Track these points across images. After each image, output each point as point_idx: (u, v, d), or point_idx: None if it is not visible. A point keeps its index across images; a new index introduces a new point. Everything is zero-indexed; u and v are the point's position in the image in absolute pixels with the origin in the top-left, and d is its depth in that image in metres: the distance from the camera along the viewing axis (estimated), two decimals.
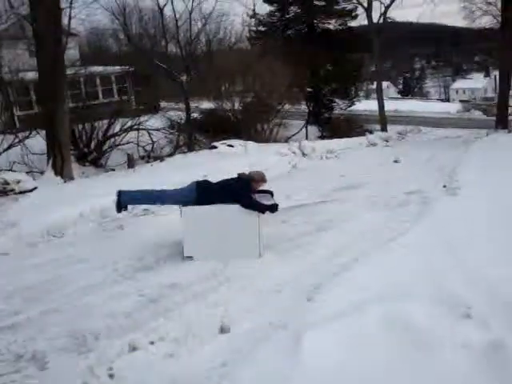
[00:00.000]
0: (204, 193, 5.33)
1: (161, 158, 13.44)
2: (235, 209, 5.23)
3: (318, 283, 4.41)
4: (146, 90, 22.69)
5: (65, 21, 13.21)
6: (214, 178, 8.82)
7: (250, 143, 13.89)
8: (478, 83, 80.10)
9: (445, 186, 8.71)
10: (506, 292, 3.88)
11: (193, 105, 21.02)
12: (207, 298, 4.29)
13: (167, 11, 19.67)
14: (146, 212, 7.61)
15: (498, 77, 66.77)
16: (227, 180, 5.64)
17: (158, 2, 18.69)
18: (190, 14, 18.74)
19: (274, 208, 5.37)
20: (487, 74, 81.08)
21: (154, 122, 17.93)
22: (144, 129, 16.00)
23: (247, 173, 5.78)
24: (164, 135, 17.75)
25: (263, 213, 5.32)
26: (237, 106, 18.52)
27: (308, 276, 4.66)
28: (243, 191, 5.33)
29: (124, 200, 5.46)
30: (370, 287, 4.12)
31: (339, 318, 3.59)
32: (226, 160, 11.23)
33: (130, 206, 6.12)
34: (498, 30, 29.71)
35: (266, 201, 5.49)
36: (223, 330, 3.73)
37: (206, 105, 20.81)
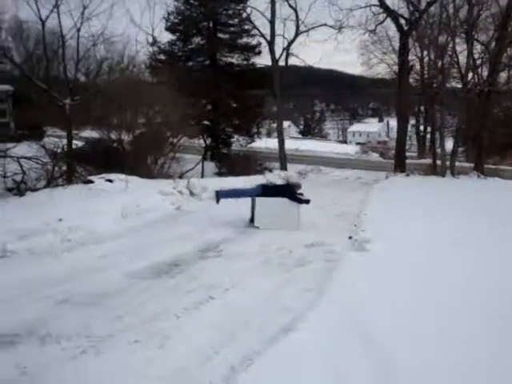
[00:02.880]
0: (265, 190, 8.74)
1: (20, 193, 11.22)
2: (285, 200, 8.45)
3: None
4: (27, 113, 20.09)
5: None
6: (71, 223, 7.08)
7: (133, 178, 12.08)
8: (373, 127, 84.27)
9: (350, 238, 7.61)
10: None
11: (79, 133, 18.82)
12: None
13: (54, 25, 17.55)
14: None
15: (389, 122, 70.86)
16: (280, 185, 10.34)
17: (40, 13, 16.22)
18: (78, 31, 16.61)
19: (307, 201, 8.65)
20: (381, 119, 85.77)
21: (28, 149, 15.53)
22: (8, 156, 13.58)
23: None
24: (40, 165, 15.40)
25: (301, 203, 8.55)
26: (126, 136, 16.66)
27: None
28: (290, 190, 8.76)
29: (220, 196, 8.88)
30: None
31: None
32: (96, 198, 9.30)
33: None
34: (392, 79, 30.99)
35: (303, 197, 8.72)
36: None
37: (92, 133, 18.68)
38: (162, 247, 6.73)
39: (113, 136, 16.94)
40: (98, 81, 21.14)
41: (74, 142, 17.55)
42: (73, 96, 17.54)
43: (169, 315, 4.31)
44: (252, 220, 8.73)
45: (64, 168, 15.97)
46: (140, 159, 16.38)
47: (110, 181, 11.93)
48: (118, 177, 12.05)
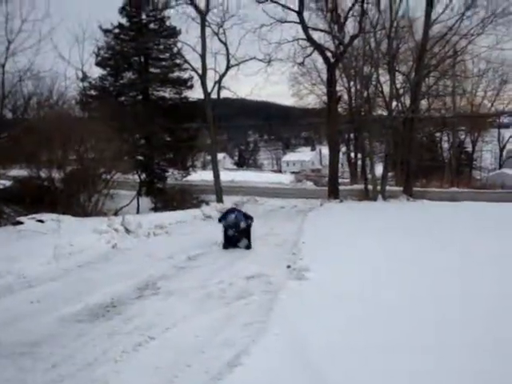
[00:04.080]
0: (243, 216, 10.15)
1: None
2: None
3: None
4: None
5: None
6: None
7: (66, 218, 11.71)
8: (306, 156, 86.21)
9: (289, 267, 7.69)
10: None
11: (6, 172, 18.03)
12: None
13: None
14: None
15: (321, 150, 72.76)
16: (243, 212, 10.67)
17: None
18: (3, 66, 16.13)
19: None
20: (313, 148, 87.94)
21: None
22: None
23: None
24: None
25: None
26: (57, 174, 16.15)
27: None
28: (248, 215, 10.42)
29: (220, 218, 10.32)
30: None
31: None
32: (26, 240, 8.95)
33: None
34: (322, 108, 32.17)
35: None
36: None
37: (21, 172, 17.97)
38: (98, 288, 6.50)
39: (43, 174, 16.41)
40: (26, 117, 20.50)
41: (1, 181, 16.86)
42: None
43: (107, 359, 4.15)
44: (226, 245, 9.80)
45: None
46: (73, 197, 15.93)
47: (41, 221, 11.51)
48: (49, 217, 11.65)
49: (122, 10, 24.56)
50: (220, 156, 47.57)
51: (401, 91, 23.62)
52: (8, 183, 17.94)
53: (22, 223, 11.44)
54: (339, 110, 28.30)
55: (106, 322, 5.19)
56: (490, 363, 3.75)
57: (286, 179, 42.25)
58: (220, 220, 10.18)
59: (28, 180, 17.24)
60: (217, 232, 10.08)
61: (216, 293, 6.25)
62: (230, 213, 10.24)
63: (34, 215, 11.94)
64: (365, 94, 23.79)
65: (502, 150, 47.48)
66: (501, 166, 45.03)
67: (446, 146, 43.38)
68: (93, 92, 26.17)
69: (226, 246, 9.78)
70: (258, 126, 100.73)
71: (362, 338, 4.34)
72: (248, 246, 9.77)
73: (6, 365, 4.09)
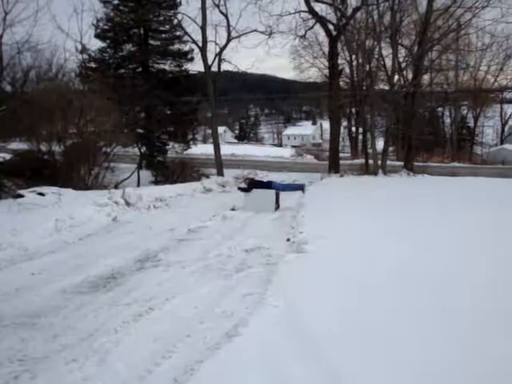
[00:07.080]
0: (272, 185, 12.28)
1: None
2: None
3: None
4: None
5: None
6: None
7: (67, 191, 11.71)
8: (307, 130, 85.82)
9: (289, 240, 7.71)
10: None
11: (6, 145, 17.98)
12: None
13: None
14: None
15: (323, 125, 72.23)
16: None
17: None
18: (1, 37, 16.00)
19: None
20: (314, 122, 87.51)
21: None
22: None
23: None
24: None
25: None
26: (57, 147, 16.12)
27: None
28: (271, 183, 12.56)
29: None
30: None
31: None
32: (27, 213, 8.97)
33: None
34: (323, 82, 31.88)
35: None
36: None
37: (21, 145, 17.92)
38: (99, 260, 6.56)
39: (43, 147, 16.37)
40: (26, 90, 20.36)
41: (1, 154, 16.84)
42: None
43: (107, 330, 4.21)
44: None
45: None
46: (73, 170, 15.91)
47: (42, 194, 11.51)
48: (50, 190, 11.65)
49: None
50: (221, 129, 47.39)
51: (403, 65, 23.34)
52: (8, 156, 17.91)
53: (22, 196, 11.43)
54: (341, 83, 28.01)
55: (107, 294, 5.25)
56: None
57: (286, 153, 42.09)
58: (245, 190, 11.77)
59: (28, 153, 17.18)
60: (216, 205, 10.10)
61: (216, 265, 6.29)
62: (261, 182, 12.73)
63: (34, 188, 11.95)
64: (367, 67, 23.44)
65: (503, 125, 47.12)
66: (502, 142, 44.79)
67: (447, 121, 43.14)
68: (92, 64, 25.88)
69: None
70: (259, 100, 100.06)
71: (356, 308, 4.39)
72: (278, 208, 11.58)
73: (7, 334, 4.15)
